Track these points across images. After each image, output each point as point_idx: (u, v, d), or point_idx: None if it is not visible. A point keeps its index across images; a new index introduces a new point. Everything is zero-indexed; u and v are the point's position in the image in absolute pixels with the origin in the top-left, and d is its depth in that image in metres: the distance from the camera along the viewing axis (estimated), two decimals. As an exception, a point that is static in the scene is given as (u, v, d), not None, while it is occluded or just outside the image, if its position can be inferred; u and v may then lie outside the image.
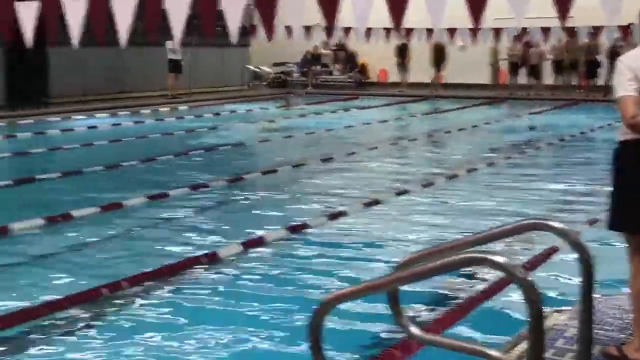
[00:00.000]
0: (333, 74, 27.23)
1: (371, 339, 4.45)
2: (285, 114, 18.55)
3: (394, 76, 25.99)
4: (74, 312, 4.85)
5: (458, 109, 20.08)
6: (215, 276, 5.69)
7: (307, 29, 20.49)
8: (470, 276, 5.46)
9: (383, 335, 4.44)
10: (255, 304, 5.10)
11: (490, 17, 8.93)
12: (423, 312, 4.86)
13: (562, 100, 21.17)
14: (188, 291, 5.35)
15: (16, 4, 6.58)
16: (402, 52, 24.60)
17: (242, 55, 25.30)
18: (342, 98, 23.01)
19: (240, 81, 25.56)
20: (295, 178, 10.14)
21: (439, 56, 23.91)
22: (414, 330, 2.54)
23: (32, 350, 4.32)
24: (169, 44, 20.69)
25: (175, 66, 21.42)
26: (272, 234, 6.83)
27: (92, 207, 7.72)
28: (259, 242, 6.60)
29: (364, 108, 20.33)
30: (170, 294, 5.28)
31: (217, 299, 5.19)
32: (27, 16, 6.49)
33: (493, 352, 2.29)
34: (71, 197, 8.70)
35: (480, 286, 5.24)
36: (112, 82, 21.25)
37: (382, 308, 4.47)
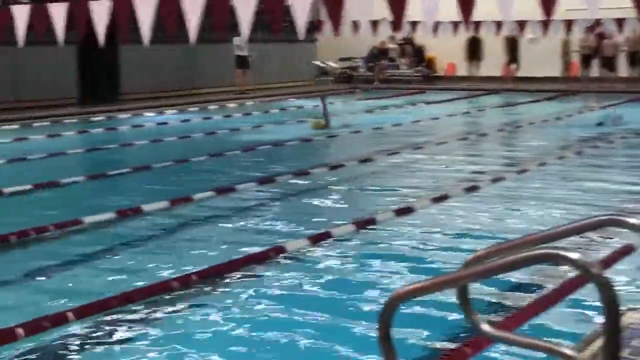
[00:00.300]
0: (400, 69, 27.08)
1: (441, 335, 4.41)
2: (352, 109, 18.52)
3: (462, 70, 25.70)
4: (144, 304, 4.94)
5: (528, 102, 19.74)
6: (282, 270, 5.72)
7: (374, 23, 20.42)
8: (542, 273, 5.35)
9: (453, 331, 4.39)
10: (322, 299, 5.10)
11: (562, 9, 8.73)
12: (493, 309, 4.79)
13: (636, 93, 20.60)
14: (254, 286, 5.38)
15: (90, 3, 6.73)
16: (474, 46, 24.29)
17: (308, 50, 25.38)
18: (409, 92, 22.87)
19: (307, 76, 25.64)
20: (362, 173, 10.12)
21: (512, 49, 23.54)
22: (485, 327, 2.50)
23: (110, 339, 4.42)
24: (236, 40, 20.90)
25: (242, 62, 21.63)
26: (339, 229, 6.82)
27: (162, 201, 7.85)
28: (326, 236, 6.60)
29: (431, 102, 20.16)
30: (238, 288, 5.32)
31: (283, 293, 5.20)
32: (100, 15, 6.63)
33: (567, 350, 2.23)
34: (141, 191, 8.88)
35: (553, 283, 5.13)
36: (182, 79, 21.57)
37: (452, 304, 4.43)
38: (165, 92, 20.49)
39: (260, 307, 4.96)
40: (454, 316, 4.42)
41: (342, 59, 26.70)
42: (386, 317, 2.48)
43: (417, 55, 27.10)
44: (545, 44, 21.71)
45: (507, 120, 16.31)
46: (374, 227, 7.01)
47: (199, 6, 6.07)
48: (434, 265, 5.79)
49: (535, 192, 8.57)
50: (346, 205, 8.13)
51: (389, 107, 18.83)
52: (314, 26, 21.75)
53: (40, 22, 7.63)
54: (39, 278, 5.67)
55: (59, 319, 4.49)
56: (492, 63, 23.91)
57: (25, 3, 17.15)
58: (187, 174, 10.09)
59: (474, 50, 24.42)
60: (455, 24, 20.15)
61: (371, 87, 24.68)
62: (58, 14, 7.18)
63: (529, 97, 20.67)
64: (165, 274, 5.60)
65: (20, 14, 7.52)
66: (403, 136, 13.82)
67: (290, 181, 9.35)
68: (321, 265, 5.86)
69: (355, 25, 19.25)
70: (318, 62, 26.40)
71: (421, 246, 6.42)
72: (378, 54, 26.85)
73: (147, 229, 7.07)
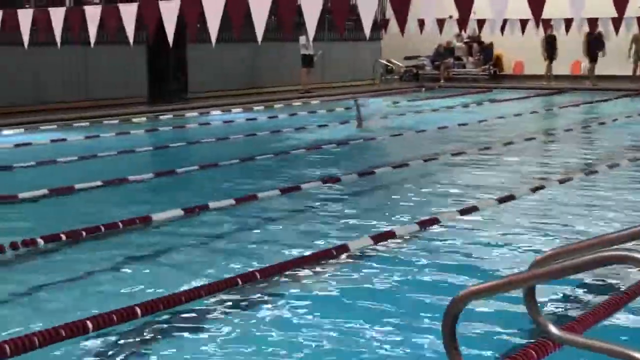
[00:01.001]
0: (466, 67, 26.80)
1: (507, 336, 4.35)
2: (417, 107, 18.42)
3: (530, 68, 25.30)
4: (210, 300, 5.01)
5: (598, 101, 19.30)
6: (345, 269, 5.73)
7: (440, 21, 20.24)
8: (612, 274, 5.24)
9: (519, 333, 4.33)
10: (385, 299, 5.09)
11: (634, 6, 8.52)
12: (560, 311, 4.70)
13: None
14: (318, 284, 5.41)
15: (160, 2, 6.85)
16: (550, 44, 23.87)
17: (373, 49, 25.32)
18: (475, 91, 22.61)
19: (372, 75, 25.58)
20: (426, 172, 10.06)
21: (594, 47, 23.04)
22: (553, 329, 2.46)
23: (179, 333, 4.50)
24: (301, 40, 21.01)
25: (307, 61, 21.71)
26: (403, 228, 6.79)
27: (228, 198, 7.95)
28: (390, 235, 6.58)
29: (498, 101, 19.89)
30: (301, 286, 5.35)
31: (346, 292, 5.21)
32: (169, 15, 6.75)
33: (639, 355, 2.17)
34: (208, 189, 9.01)
35: (623, 285, 5.01)
36: (247, 78, 21.78)
37: (518, 305, 4.37)
38: (230, 90, 20.72)
39: (322, 306, 4.97)
40: (520, 318, 4.36)
41: (407, 58, 26.56)
42: (451, 317, 2.46)
43: (485, 53, 26.76)
44: (617, 42, 21.20)
45: (576, 120, 15.99)
46: (438, 226, 6.96)
47: (266, 6, 6.12)
48: (499, 266, 5.72)
49: (605, 193, 8.38)
50: (410, 205, 8.09)
51: (455, 106, 18.65)
52: (379, 25, 21.69)
53: (111, 22, 7.80)
54: (105, 273, 5.80)
55: (128, 314, 4.58)
56: (562, 61, 23.47)
57: (96, 3, 17.58)
58: (252, 172, 10.19)
59: (551, 48, 23.98)
60: (523, 22, 19.83)
61: (437, 86, 24.49)
62: (128, 13, 7.33)
63: (599, 96, 20.22)
64: (231, 270, 5.66)
65: (92, 14, 7.70)
66: (469, 135, 13.67)
67: (355, 180, 9.35)
68: (384, 265, 5.85)
69: (421, 23, 19.12)
70: (383, 61, 26.32)
71: (486, 246, 6.34)
72: (444, 53, 26.63)
73: (213, 227, 7.16)
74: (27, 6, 15.38)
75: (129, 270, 5.89)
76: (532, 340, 3.90)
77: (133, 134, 13.94)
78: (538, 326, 2.51)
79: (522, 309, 2.59)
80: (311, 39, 17.86)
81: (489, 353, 4.15)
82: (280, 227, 7.23)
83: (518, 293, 2.50)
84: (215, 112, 17.66)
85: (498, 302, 4.44)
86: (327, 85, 22.55)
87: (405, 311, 4.82)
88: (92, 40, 7.69)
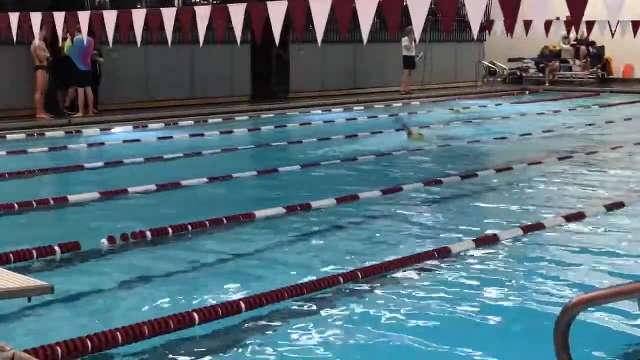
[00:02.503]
0: (572, 70, 26.08)
1: (622, 346, 4.22)
2: (521, 111, 18.04)
3: (640, 72, 24.42)
4: (314, 297, 5.06)
5: None
6: (446, 272, 5.67)
7: (547, 23, 19.76)
8: None
9: (635, 342, 4.19)
10: (488, 304, 5.02)
11: None
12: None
13: None
14: (419, 286, 5.38)
15: (267, 3, 6.95)
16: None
17: (476, 50, 24.93)
18: (582, 95, 21.99)
19: (474, 77, 25.21)
20: (531, 177, 9.84)
21: None
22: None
23: (283, 328, 4.57)
24: (404, 41, 20.92)
25: (409, 62, 21.58)
26: (506, 233, 6.68)
27: (329, 198, 8.00)
28: (492, 240, 6.48)
29: (606, 106, 19.27)
30: (402, 287, 5.34)
31: (445, 296, 5.16)
32: (277, 15, 6.84)
33: None
34: (309, 188, 9.08)
35: None
36: (349, 78, 21.83)
37: (633, 313, 4.24)
38: (331, 91, 20.82)
39: (422, 308, 4.94)
40: (634, 329, 4.23)
41: (511, 60, 26.06)
42: (563, 326, 2.40)
43: (595, 56, 25.92)
44: None
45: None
46: (543, 231, 6.81)
47: (372, 6, 6.11)
48: (609, 274, 5.55)
49: None
50: (513, 209, 7.94)
51: (561, 110, 18.19)
52: (484, 26, 21.33)
53: (219, 22, 7.96)
54: (208, 267, 5.94)
55: (233, 308, 4.68)
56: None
57: (205, 4, 17.99)
58: (353, 173, 10.22)
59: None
60: (635, 24, 19.13)
61: (541, 89, 23.93)
62: (237, 14, 7.47)
63: None
64: (330, 269, 5.70)
65: (202, 14, 7.88)
66: (575, 139, 13.31)
67: (457, 183, 9.25)
68: (487, 268, 5.77)
69: (527, 24, 18.71)
70: (486, 63, 25.90)
71: (593, 254, 6.16)
72: (550, 55, 25.98)
73: (315, 225, 7.22)
74: (138, 6, 15.90)
75: (231, 265, 6.01)
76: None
77: (236, 133, 14.20)
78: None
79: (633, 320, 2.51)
80: (417, 40, 17.78)
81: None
82: (381, 228, 7.21)
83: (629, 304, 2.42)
84: (316, 112, 17.79)
85: (613, 310, 4.30)
86: (428, 87, 22.35)
87: (507, 319, 4.73)
88: (202, 39, 7.86)
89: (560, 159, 10.92)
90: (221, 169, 9.86)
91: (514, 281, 5.47)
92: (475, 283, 5.43)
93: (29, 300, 3.53)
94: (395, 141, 12.89)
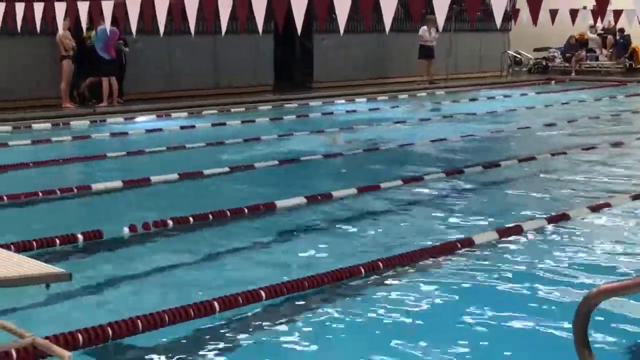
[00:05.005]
0: (599, 60, 25.79)
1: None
2: (546, 100, 17.88)
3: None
4: (333, 287, 5.05)
5: None
6: (469, 263, 5.63)
7: (573, 12, 19.55)
8: None
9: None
10: (510, 295, 4.98)
11: None
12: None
13: None
14: (440, 277, 5.35)
15: (289, -8, 6.92)
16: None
17: (501, 40, 24.72)
18: (608, 85, 21.75)
19: (499, 67, 25.00)
20: (554, 167, 9.75)
21: None
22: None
23: (303, 316, 4.58)
24: (421, 30, 20.72)
25: (424, 52, 21.36)
26: (530, 223, 6.62)
27: (350, 188, 7.98)
28: (516, 230, 6.43)
29: (633, 95, 19.05)
30: (423, 278, 5.31)
31: (468, 287, 5.13)
32: (299, 4, 6.80)
33: None
34: (331, 177, 9.07)
35: None
36: (372, 68, 21.74)
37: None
38: (355, 81, 20.74)
39: (445, 298, 4.92)
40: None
41: (536, 49, 25.83)
42: (583, 317, 2.37)
43: (621, 45, 25.61)
44: None
45: None
46: (567, 223, 6.74)
47: (395, -5, 6.07)
48: (632, 265, 5.48)
49: None
50: (536, 199, 7.87)
51: (586, 100, 18.01)
52: (509, 15, 21.13)
53: (242, 12, 7.94)
54: (230, 256, 5.95)
55: (252, 296, 4.68)
56: None
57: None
58: (375, 163, 10.19)
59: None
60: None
61: (567, 79, 23.71)
62: (259, 3, 7.44)
63: None
64: (352, 259, 5.68)
65: (225, 3, 7.86)
66: (600, 130, 13.17)
67: (479, 173, 9.19)
68: (510, 259, 5.72)
69: (553, 13, 18.53)
70: (511, 52, 25.68)
71: (618, 244, 6.09)
72: (576, 45, 25.72)
73: (336, 215, 7.20)
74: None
75: (251, 254, 6.01)
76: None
77: (258, 122, 14.20)
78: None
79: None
80: (440, 29, 17.65)
81: (625, 356, 3.99)
82: (402, 218, 7.17)
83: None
84: (339, 102, 17.74)
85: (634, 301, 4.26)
86: (452, 77, 22.20)
87: (529, 310, 4.68)
88: (224, 29, 7.85)
89: (584, 149, 10.81)
90: (243, 158, 9.86)
91: (537, 272, 5.42)
92: (498, 273, 5.39)
93: (47, 287, 3.54)
94: (416, 133, 12.83)
